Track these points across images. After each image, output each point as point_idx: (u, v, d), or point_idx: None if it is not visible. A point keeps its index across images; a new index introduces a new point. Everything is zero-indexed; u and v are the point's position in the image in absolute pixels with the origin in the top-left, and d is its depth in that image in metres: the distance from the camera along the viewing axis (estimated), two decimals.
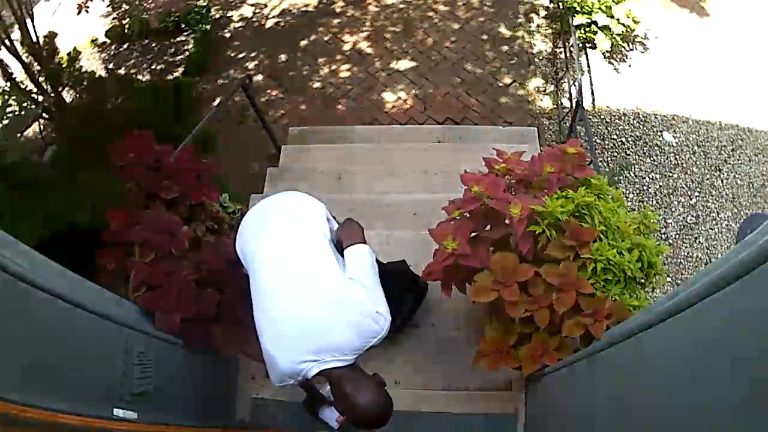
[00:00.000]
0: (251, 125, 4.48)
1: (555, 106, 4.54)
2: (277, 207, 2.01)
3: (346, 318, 1.61)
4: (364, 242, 1.84)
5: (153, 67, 5.13)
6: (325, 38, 5.14)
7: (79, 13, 4.03)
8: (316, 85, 4.80)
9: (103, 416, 1.53)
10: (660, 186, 4.20)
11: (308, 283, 1.67)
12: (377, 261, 1.88)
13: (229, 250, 2.16)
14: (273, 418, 2.59)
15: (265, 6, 5.53)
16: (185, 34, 5.33)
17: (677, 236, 4.00)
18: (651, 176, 4.24)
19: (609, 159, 4.32)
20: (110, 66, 5.14)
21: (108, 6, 4.74)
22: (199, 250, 2.20)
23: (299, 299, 1.64)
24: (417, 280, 2.62)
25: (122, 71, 5.03)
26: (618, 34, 4.74)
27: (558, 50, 4.90)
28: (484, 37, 5.02)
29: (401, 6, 5.33)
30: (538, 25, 5.10)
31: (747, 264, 0.84)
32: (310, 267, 1.72)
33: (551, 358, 1.91)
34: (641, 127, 4.48)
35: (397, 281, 2.47)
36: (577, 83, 3.81)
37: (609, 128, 4.46)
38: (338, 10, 5.38)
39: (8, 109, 3.56)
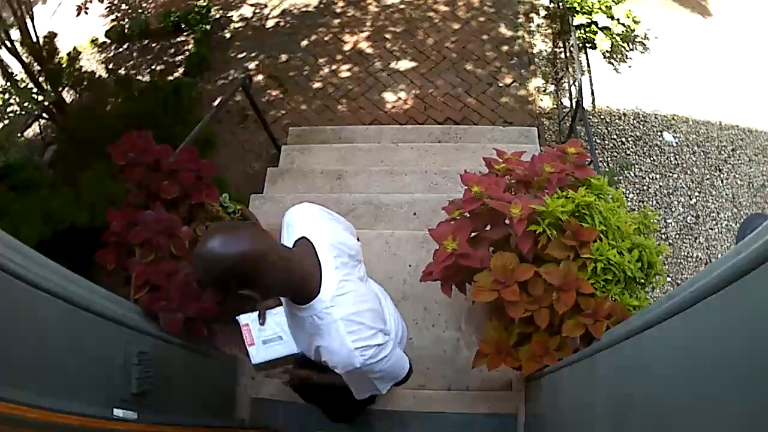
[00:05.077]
0: (251, 125, 4.48)
1: (555, 106, 4.54)
2: None
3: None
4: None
5: (153, 67, 5.12)
6: (326, 38, 5.14)
7: (78, 14, 4.03)
8: (317, 85, 4.80)
9: (103, 416, 1.53)
10: (660, 186, 4.20)
11: None
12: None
13: None
14: (273, 418, 2.59)
15: (265, 6, 5.52)
16: (185, 34, 5.33)
17: (677, 236, 4.00)
18: (651, 176, 4.24)
19: (609, 159, 4.31)
20: (110, 66, 5.13)
21: (107, 8, 4.74)
22: None
23: None
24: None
25: (122, 71, 5.03)
26: (618, 34, 4.73)
27: (558, 50, 4.90)
28: (485, 37, 5.01)
29: (402, 6, 5.32)
30: (538, 25, 5.10)
31: (747, 264, 0.84)
32: None
33: (551, 358, 1.91)
34: (641, 127, 4.48)
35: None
36: (577, 83, 3.81)
37: (609, 128, 4.46)
38: (338, 10, 5.38)
39: (9, 109, 3.56)
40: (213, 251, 1.17)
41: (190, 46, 5.19)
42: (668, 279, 3.73)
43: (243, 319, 1.66)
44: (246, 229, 1.26)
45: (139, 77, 4.94)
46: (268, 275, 1.23)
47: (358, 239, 1.61)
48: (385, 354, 1.37)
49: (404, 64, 4.85)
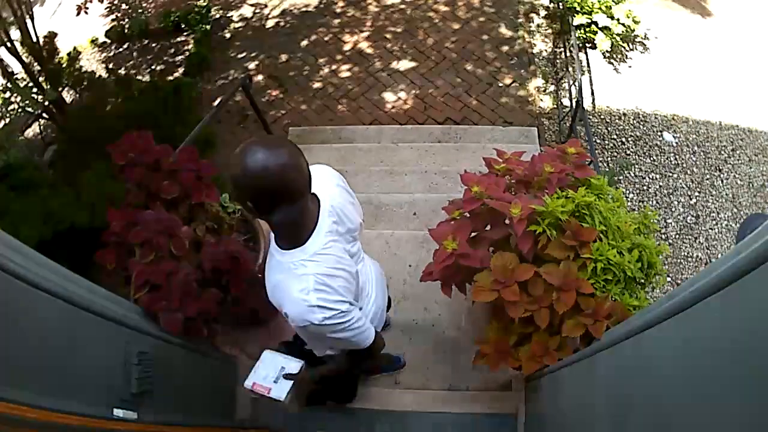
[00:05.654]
0: (251, 125, 4.48)
1: (555, 106, 4.54)
2: None
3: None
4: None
5: (153, 67, 5.12)
6: (326, 38, 5.14)
7: (78, 14, 4.04)
8: (317, 85, 4.80)
9: (103, 416, 1.53)
10: (660, 186, 4.20)
11: None
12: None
13: (231, 248, 2.16)
14: (273, 418, 2.59)
15: (266, 6, 5.52)
16: (185, 34, 5.33)
17: (677, 236, 4.00)
18: (651, 176, 4.24)
19: (609, 159, 4.31)
20: (110, 66, 5.14)
21: (107, 8, 4.74)
22: (200, 250, 2.20)
23: None
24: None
25: (122, 71, 5.03)
26: (618, 34, 4.74)
27: (558, 50, 4.90)
28: (485, 37, 5.01)
29: (402, 6, 5.33)
30: (538, 25, 5.10)
31: (747, 264, 0.84)
32: None
33: (551, 358, 1.91)
34: (641, 127, 4.48)
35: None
36: (577, 83, 3.81)
37: (609, 128, 4.46)
38: (338, 10, 5.38)
39: (9, 108, 3.56)
40: (264, 162, 1.19)
41: (190, 46, 5.19)
42: (668, 279, 3.73)
43: (248, 383, 1.73)
44: (302, 158, 1.28)
45: (139, 77, 4.94)
46: (285, 204, 1.27)
47: (362, 221, 1.66)
48: (346, 320, 1.39)
49: (404, 64, 4.85)
